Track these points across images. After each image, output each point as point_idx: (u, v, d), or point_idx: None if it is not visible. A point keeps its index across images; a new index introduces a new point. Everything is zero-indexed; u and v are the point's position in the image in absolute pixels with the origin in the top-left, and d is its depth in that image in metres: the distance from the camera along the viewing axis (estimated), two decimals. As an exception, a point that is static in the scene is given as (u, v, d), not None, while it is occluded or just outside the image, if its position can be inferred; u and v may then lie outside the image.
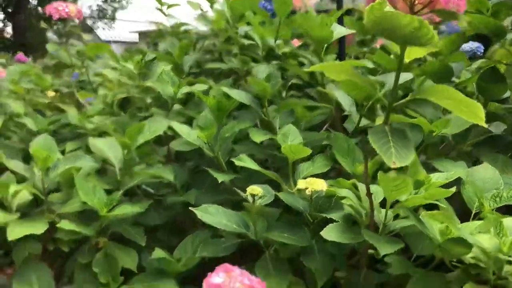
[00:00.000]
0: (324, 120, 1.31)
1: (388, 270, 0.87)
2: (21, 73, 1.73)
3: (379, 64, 1.19)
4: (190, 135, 1.10)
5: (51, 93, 1.83)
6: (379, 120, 0.67)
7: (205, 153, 1.23)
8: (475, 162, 1.18)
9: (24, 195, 1.13)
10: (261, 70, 1.20)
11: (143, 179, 1.11)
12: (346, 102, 1.09)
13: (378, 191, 0.83)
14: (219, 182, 1.19)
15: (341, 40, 1.32)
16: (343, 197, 0.88)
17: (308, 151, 0.93)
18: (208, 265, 1.19)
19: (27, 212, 1.11)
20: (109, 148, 1.12)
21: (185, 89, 1.27)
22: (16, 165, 1.06)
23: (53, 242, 1.14)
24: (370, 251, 0.90)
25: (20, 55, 3.03)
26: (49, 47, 1.73)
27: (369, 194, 0.74)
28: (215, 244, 0.99)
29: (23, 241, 1.10)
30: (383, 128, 0.61)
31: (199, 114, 1.26)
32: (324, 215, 0.86)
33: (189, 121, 1.31)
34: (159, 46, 2.14)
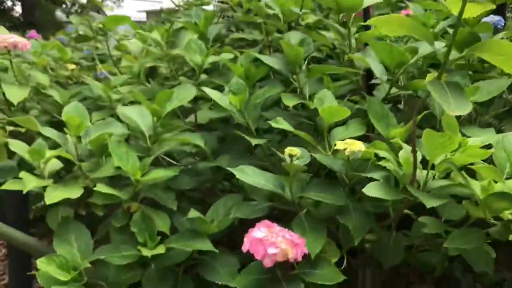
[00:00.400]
0: (348, 91, 1.32)
1: (423, 229, 0.89)
2: (42, 46, 1.74)
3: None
4: (222, 100, 1.11)
5: (71, 66, 1.84)
6: (430, 77, 0.68)
7: (231, 122, 1.25)
8: (498, 132, 1.20)
9: (55, 163, 1.15)
10: (294, 36, 1.21)
11: (173, 146, 1.12)
12: (378, 69, 1.10)
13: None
14: (247, 148, 1.22)
15: (366, 11, 1.32)
16: (380, 159, 0.89)
17: (347, 112, 0.95)
18: (238, 229, 1.22)
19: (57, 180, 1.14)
20: (138, 116, 1.13)
21: (213, 58, 1.27)
22: (50, 132, 1.07)
23: (85, 207, 1.16)
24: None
25: (33, 32, 3.02)
26: (73, 19, 1.73)
27: (414, 151, 0.76)
28: (248, 206, 1.00)
29: (56, 206, 1.12)
30: (439, 82, 0.62)
31: (227, 83, 1.27)
32: (363, 174, 0.88)
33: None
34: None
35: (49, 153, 1.03)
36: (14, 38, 1.39)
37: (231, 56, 1.29)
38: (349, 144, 0.88)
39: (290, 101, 1.07)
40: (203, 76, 1.31)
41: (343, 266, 0.92)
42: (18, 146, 1.15)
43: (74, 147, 1.05)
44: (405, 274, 1.66)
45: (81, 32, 2.01)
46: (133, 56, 1.69)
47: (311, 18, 1.49)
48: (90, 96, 1.61)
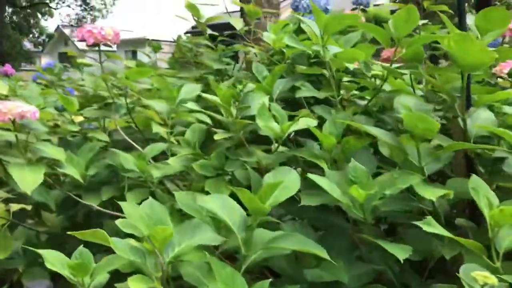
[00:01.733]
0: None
1: None
2: (42, 94, 1.42)
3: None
4: (333, 190, 0.85)
5: (78, 118, 1.54)
6: None
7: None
8: None
9: (102, 276, 0.85)
10: (409, 102, 0.97)
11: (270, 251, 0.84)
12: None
13: None
14: (351, 243, 0.97)
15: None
16: None
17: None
18: None
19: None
20: (223, 209, 0.85)
21: (295, 126, 1.01)
22: (121, 246, 0.76)
23: None
24: None
25: (8, 66, 2.69)
26: (87, 79, 1.44)
27: None
28: None
29: None
30: None
31: (313, 156, 1.02)
32: None
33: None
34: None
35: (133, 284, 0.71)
36: (21, 107, 1.10)
37: (314, 122, 1.04)
38: None
39: (430, 194, 0.82)
40: (281, 148, 1.04)
41: None
42: (54, 258, 0.84)
43: (159, 267, 0.74)
44: None
45: (87, 87, 1.72)
46: (153, 112, 1.41)
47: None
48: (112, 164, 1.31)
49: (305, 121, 1.03)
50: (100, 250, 1.26)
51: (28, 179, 1.04)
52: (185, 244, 0.78)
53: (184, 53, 2.28)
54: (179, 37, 2.31)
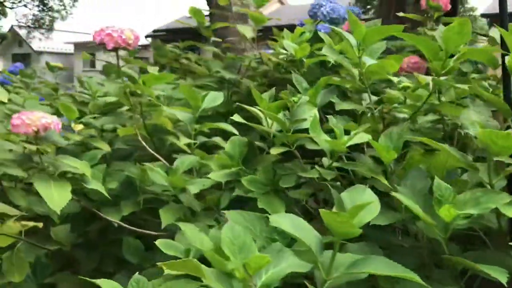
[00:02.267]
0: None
1: None
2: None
3: None
4: (416, 209, 0.80)
5: (78, 127, 1.42)
6: None
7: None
8: None
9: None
10: (478, 118, 0.94)
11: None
12: None
13: None
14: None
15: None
16: None
17: None
18: None
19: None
20: (296, 230, 0.78)
21: (353, 141, 0.96)
22: (210, 275, 0.67)
23: None
24: None
25: None
26: (107, 84, 1.33)
27: None
28: None
29: None
30: None
31: (372, 171, 0.97)
32: None
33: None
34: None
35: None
36: (45, 118, 1.00)
37: (368, 136, 0.99)
38: None
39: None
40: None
41: None
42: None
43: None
44: None
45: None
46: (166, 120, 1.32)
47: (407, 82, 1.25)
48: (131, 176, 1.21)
49: (362, 136, 0.98)
50: (120, 269, 1.17)
51: (56, 197, 0.93)
52: (271, 272, 0.70)
53: (170, 59, 2.17)
54: (157, 43, 2.20)
